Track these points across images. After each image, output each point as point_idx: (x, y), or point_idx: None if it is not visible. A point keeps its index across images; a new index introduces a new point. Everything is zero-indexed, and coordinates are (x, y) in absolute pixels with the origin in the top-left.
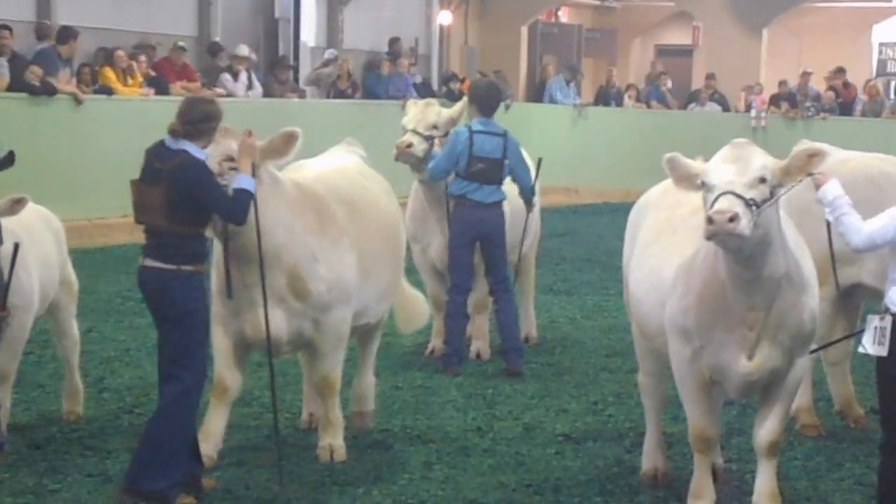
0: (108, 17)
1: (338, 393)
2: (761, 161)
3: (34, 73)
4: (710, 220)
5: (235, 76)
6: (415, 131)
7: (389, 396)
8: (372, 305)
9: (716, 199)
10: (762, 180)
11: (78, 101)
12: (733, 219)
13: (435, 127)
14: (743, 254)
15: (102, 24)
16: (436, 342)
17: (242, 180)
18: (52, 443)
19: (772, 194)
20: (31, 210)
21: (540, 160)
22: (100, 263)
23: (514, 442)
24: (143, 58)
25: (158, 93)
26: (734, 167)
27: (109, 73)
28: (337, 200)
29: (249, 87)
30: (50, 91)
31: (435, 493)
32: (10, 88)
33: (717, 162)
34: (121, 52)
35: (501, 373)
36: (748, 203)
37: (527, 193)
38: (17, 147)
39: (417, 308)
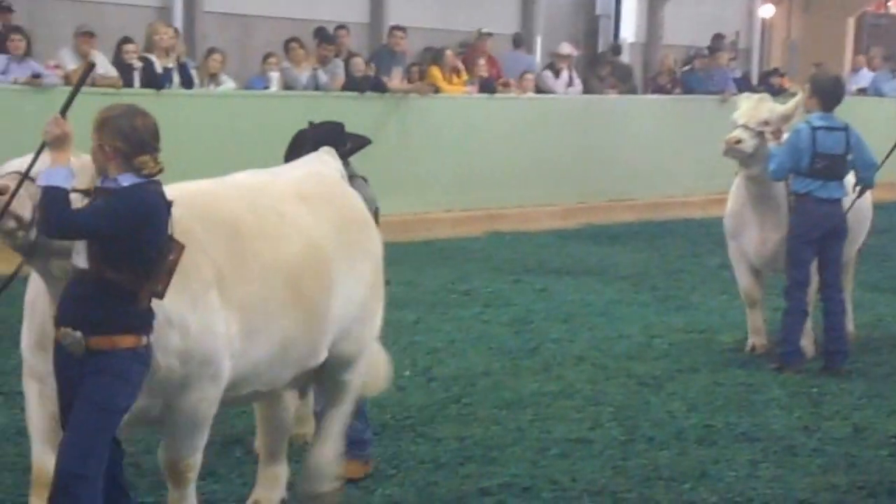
0: (436, 17)
1: (190, 483)
2: None
3: (357, 67)
4: None
5: (557, 73)
6: (745, 126)
7: (711, 392)
8: (262, 371)
9: None
10: None
11: (418, 92)
12: None
13: (766, 123)
14: None
15: (430, 24)
16: (754, 339)
17: (50, 175)
18: (386, 429)
19: None
20: None
21: None
22: (424, 257)
23: (844, 442)
24: (481, 61)
25: (483, 91)
26: None
27: (436, 73)
28: (209, 228)
29: (570, 84)
30: (380, 89)
31: (763, 492)
32: (345, 87)
33: None
34: (449, 52)
35: (826, 371)
36: None
37: (867, 178)
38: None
39: (376, 373)
